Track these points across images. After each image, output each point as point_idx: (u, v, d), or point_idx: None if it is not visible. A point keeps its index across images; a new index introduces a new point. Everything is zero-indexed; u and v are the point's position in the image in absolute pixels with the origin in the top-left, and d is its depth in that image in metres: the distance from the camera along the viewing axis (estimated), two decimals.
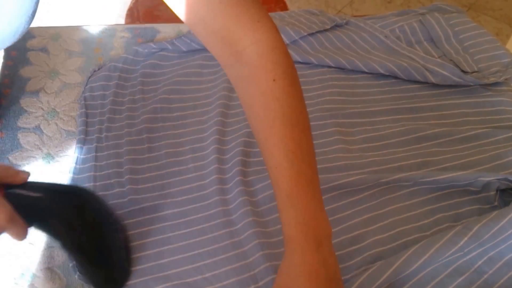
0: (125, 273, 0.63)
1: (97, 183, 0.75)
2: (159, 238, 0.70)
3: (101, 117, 0.83)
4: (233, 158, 0.79)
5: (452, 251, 0.67)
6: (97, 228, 0.58)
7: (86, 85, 0.88)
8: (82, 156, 0.78)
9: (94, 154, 0.79)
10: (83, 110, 0.84)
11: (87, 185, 0.75)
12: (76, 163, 0.77)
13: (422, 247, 0.68)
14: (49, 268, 0.67)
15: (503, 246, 0.68)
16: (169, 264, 0.68)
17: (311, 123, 0.85)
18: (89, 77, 0.90)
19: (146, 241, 0.70)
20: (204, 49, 0.97)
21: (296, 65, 0.93)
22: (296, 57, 0.95)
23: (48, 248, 0.68)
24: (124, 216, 0.72)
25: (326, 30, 1.03)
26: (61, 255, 0.68)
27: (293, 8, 2.01)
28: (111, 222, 0.61)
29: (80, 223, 0.57)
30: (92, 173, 0.76)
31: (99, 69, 0.92)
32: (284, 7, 1.47)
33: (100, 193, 0.74)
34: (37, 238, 0.69)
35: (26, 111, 0.83)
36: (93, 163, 0.78)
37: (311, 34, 1.01)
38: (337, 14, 1.49)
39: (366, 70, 0.95)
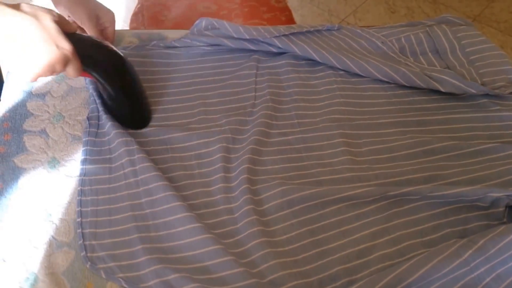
0: (149, 112, 0.84)
1: (111, 185, 0.75)
2: (165, 245, 0.70)
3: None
4: (239, 166, 0.79)
5: (456, 263, 0.66)
6: (131, 80, 0.79)
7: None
8: (93, 157, 0.78)
9: (108, 156, 0.79)
10: (96, 113, 0.83)
11: (99, 187, 0.75)
12: (83, 164, 0.77)
13: (425, 257, 0.67)
14: (53, 273, 0.66)
15: (511, 263, 0.67)
16: (175, 272, 0.67)
17: (318, 134, 0.85)
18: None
19: (153, 246, 0.69)
20: (209, 53, 0.97)
21: (300, 70, 0.95)
22: (294, 48, 0.95)
23: (53, 253, 0.68)
24: (143, 217, 0.72)
25: (318, 31, 1.03)
26: (66, 260, 0.67)
27: (297, 16, 2.01)
28: (138, 80, 0.80)
29: (121, 72, 0.76)
30: (107, 176, 0.76)
31: None
32: (290, 15, 1.47)
33: (117, 193, 0.75)
34: (41, 242, 0.69)
35: (32, 114, 0.82)
36: (108, 165, 0.78)
37: (304, 34, 1.01)
38: (340, 23, 1.49)
39: (363, 74, 0.95)
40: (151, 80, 0.91)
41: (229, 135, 0.83)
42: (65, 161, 0.78)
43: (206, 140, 0.82)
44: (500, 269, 0.67)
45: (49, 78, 0.88)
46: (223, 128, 0.84)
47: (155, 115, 0.86)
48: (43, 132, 0.81)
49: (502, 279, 0.67)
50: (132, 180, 0.75)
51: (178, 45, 0.96)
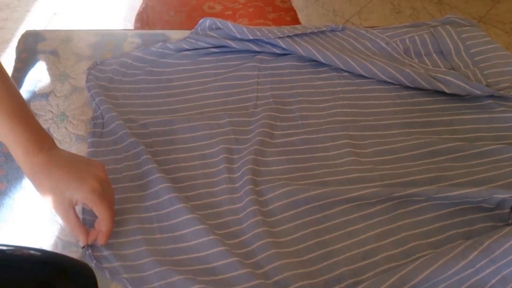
0: None
1: (116, 186, 0.75)
2: (170, 247, 0.69)
3: (116, 122, 0.82)
4: (243, 167, 0.78)
5: (461, 264, 0.66)
6: None
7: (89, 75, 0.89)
8: (99, 159, 0.78)
9: (114, 157, 0.78)
10: (99, 112, 0.83)
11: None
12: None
13: (430, 258, 0.67)
14: None
15: None
16: (179, 274, 0.67)
17: (322, 135, 0.85)
18: (90, 68, 0.90)
19: (157, 248, 0.69)
20: (211, 53, 0.97)
21: (304, 71, 0.95)
22: (297, 49, 0.95)
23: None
24: (148, 219, 0.72)
25: (321, 32, 1.03)
26: None
27: (301, 16, 2.01)
28: None
29: None
30: (112, 176, 0.76)
31: (101, 63, 0.92)
32: (295, 16, 1.47)
33: (123, 194, 0.74)
34: (47, 242, 0.68)
35: (35, 114, 0.82)
36: (113, 166, 0.77)
37: (307, 35, 1.01)
38: (345, 23, 1.48)
39: (367, 75, 0.95)
40: (153, 81, 0.91)
41: (231, 136, 0.83)
42: None
43: (209, 141, 0.82)
44: (505, 270, 0.67)
45: (52, 78, 0.88)
46: (225, 129, 0.84)
47: (157, 117, 0.85)
48: (47, 132, 0.80)
49: (508, 281, 0.67)
50: (137, 182, 0.75)
51: (186, 46, 0.96)
